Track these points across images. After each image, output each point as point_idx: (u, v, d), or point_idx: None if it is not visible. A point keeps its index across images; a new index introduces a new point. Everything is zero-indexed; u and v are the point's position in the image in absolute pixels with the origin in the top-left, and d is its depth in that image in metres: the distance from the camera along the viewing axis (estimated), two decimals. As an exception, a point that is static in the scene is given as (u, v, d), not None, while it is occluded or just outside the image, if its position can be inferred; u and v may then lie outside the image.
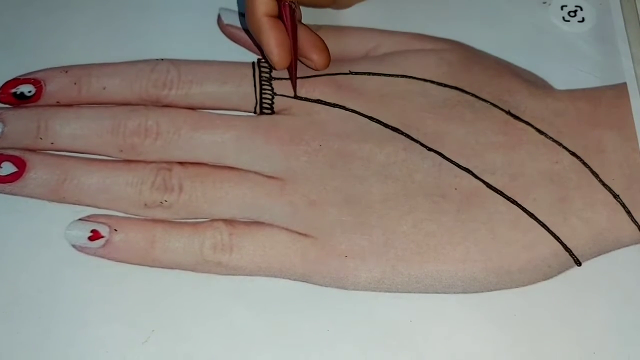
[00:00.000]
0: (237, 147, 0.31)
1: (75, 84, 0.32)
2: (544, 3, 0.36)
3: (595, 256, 0.30)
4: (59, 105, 0.32)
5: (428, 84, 0.32)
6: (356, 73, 0.33)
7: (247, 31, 0.33)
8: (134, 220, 0.30)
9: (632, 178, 0.31)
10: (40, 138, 0.31)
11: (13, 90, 0.32)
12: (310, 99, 0.32)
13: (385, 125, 0.31)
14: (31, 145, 0.31)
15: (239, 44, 0.34)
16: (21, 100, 0.32)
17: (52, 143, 0.31)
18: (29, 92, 0.32)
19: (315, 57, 0.31)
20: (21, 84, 0.33)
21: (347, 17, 0.35)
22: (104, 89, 0.32)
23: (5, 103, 0.32)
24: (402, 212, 0.30)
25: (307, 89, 0.32)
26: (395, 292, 0.29)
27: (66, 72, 0.33)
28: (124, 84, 0.32)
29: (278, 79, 0.32)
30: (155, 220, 0.30)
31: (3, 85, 0.33)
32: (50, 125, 0.31)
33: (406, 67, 0.33)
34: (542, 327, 0.28)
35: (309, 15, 0.33)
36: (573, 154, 0.31)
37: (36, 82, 0.32)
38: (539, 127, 0.32)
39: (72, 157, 0.31)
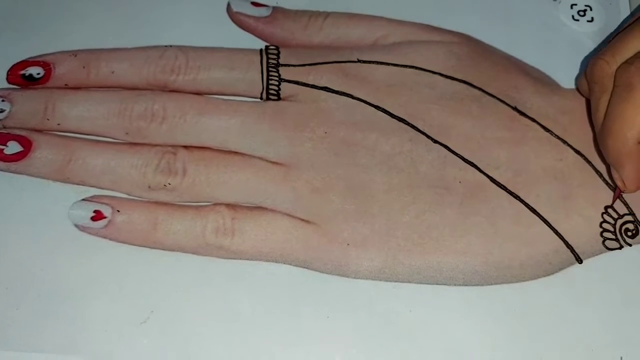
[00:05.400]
0: (242, 133, 0.31)
1: (84, 67, 0.32)
2: (554, 0, 0.36)
3: (597, 254, 0.30)
4: (67, 87, 0.32)
5: (436, 76, 0.32)
6: (364, 61, 0.33)
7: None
8: (137, 202, 0.30)
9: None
10: (47, 119, 0.31)
11: (22, 72, 0.32)
12: (317, 86, 0.32)
13: (392, 116, 0.31)
14: (38, 126, 0.31)
15: (247, 31, 0.34)
16: (30, 82, 0.32)
17: (58, 124, 0.31)
18: (38, 74, 0.32)
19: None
20: (30, 65, 0.33)
21: (356, 4, 0.35)
22: (113, 73, 0.32)
23: (13, 84, 0.32)
24: (405, 203, 0.30)
25: (314, 76, 0.32)
26: (396, 281, 0.29)
27: (75, 55, 0.33)
28: (132, 69, 0.32)
29: (285, 65, 0.32)
30: (158, 203, 0.30)
31: (12, 67, 0.33)
32: (57, 107, 0.31)
33: (415, 58, 0.33)
34: (541, 323, 0.28)
35: (318, 1, 0.33)
36: (577, 152, 0.31)
37: (45, 65, 0.33)
38: (544, 124, 0.32)
39: (78, 138, 0.31)
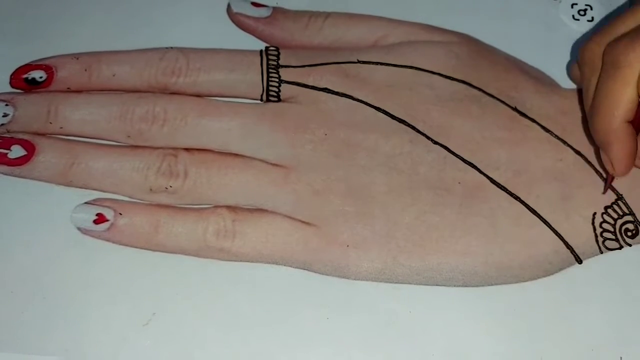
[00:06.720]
0: (243, 135, 0.31)
1: (85, 70, 0.33)
2: (555, 0, 0.36)
3: (597, 254, 0.30)
4: (69, 91, 0.33)
5: (435, 76, 0.32)
6: (364, 62, 0.33)
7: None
8: (139, 205, 0.30)
9: (636, 179, 0.31)
10: (50, 122, 0.32)
11: (25, 76, 0.33)
12: (317, 87, 0.32)
13: (392, 117, 0.32)
14: (41, 130, 0.32)
15: (247, 32, 0.34)
16: (32, 86, 0.33)
17: (61, 128, 0.32)
18: (40, 77, 0.33)
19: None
20: (33, 69, 0.33)
21: (356, 4, 0.35)
22: (114, 76, 0.33)
23: (17, 88, 0.33)
24: (405, 204, 0.30)
25: (314, 77, 0.32)
26: (396, 282, 0.29)
27: (77, 58, 0.33)
28: (133, 72, 0.33)
29: (285, 66, 0.33)
30: (160, 206, 0.30)
31: (15, 71, 0.33)
32: (60, 110, 0.32)
33: (414, 58, 0.33)
34: (541, 323, 0.29)
35: (318, 1, 0.33)
36: (577, 152, 0.31)
37: (47, 68, 0.33)
38: (544, 124, 0.32)
39: (80, 141, 0.31)
